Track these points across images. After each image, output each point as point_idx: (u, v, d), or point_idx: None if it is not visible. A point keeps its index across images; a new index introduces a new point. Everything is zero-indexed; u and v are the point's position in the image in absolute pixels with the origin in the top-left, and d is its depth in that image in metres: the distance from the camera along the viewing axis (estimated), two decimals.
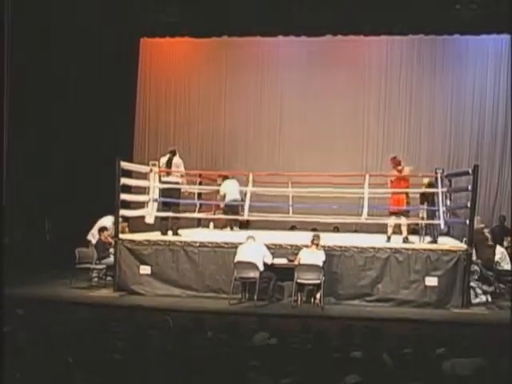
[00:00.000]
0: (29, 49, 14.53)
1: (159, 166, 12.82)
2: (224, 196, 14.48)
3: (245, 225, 14.93)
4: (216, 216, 14.83)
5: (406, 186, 12.15)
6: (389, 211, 12.41)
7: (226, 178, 14.82)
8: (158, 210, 12.77)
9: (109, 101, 16.73)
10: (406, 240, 12.00)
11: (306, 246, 11.16)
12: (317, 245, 11.08)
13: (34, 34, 14.69)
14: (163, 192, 12.75)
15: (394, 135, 17.82)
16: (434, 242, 12.08)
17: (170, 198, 12.73)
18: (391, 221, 12.22)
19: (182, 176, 13.09)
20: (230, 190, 14.46)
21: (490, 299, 11.32)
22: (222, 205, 14.74)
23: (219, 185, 14.91)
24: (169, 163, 12.73)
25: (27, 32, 14.20)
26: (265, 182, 14.42)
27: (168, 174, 12.75)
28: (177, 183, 12.89)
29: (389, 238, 12.09)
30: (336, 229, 15.29)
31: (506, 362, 5.64)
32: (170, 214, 12.65)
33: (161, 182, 12.76)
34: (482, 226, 12.25)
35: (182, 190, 13.55)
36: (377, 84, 17.93)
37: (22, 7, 13.42)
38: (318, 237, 11.23)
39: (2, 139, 10.44)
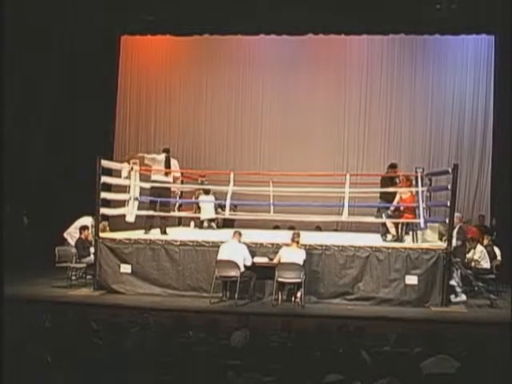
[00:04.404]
0: (11, 44, 14.40)
1: (141, 161, 12.75)
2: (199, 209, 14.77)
3: (228, 223, 14.93)
4: (197, 215, 14.81)
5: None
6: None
7: (205, 191, 14.80)
8: (140, 209, 12.69)
9: (89, 99, 16.63)
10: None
11: (287, 245, 11.18)
12: (297, 242, 11.09)
13: (15, 29, 14.56)
14: (153, 191, 12.60)
15: (375, 134, 17.90)
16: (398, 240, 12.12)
17: (160, 197, 12.60)
18: (388, 221, 12.19)
19: (176, 178, 13.20)
20: (205, 206, 14.63)
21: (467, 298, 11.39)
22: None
23: (201, 183, 14.95)
24: (167, 162, 12.67)
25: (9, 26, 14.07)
26: (246, 180, 14.39)
27: (166, 173, 12.70)
28: (167, 182, 12.83)
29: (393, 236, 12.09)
30: (318, 228, 15.33)
31: (484, 360, 5.68)
32: (152, 213, 12.57)
33: (151, 180, 12.65)
34: (461, 224, 12.30)
35: (172, 189, 13.54)
36: (357, 83, 18.01)
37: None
38: (298, 234, 11.24)
39: None
